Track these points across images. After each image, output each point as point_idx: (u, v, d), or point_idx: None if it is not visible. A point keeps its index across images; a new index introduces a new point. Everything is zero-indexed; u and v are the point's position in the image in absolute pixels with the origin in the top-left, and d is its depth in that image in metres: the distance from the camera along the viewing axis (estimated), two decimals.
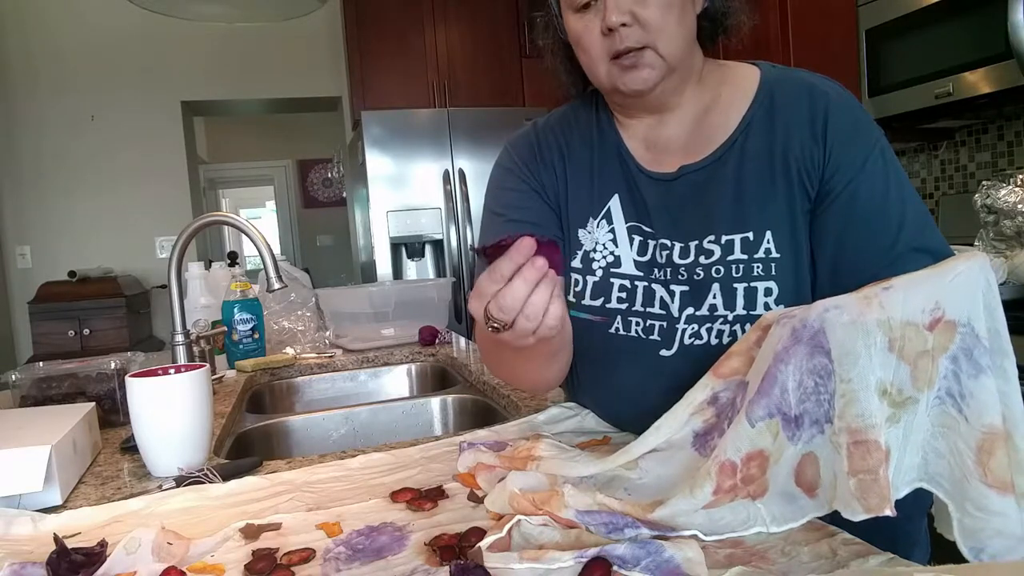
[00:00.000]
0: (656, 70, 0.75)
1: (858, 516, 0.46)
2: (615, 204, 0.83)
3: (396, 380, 1.63)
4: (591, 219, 0.84)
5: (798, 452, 0.50)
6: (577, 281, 0.84)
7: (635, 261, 0.81)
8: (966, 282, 0.49)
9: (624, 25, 0.72)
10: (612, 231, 0.83)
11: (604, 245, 0.83)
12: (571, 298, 0.85)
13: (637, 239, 0.81)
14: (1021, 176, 1.68)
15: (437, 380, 1.60)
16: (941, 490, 0.48)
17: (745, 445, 0.52)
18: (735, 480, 0.52)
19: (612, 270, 0.82)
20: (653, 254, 0.80)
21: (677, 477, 0.58)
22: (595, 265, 0.83)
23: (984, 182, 1.73)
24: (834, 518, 0.56)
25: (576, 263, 0.85)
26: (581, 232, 0.84)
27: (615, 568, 0.47)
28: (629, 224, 0.82)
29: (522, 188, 0.88)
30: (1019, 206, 1.63)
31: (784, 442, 0.51)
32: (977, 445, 0.46)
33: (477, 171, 3.30)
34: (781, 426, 0.51)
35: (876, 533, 0.53)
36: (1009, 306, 1.81)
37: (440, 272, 3.35)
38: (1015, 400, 0.45)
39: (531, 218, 0.86)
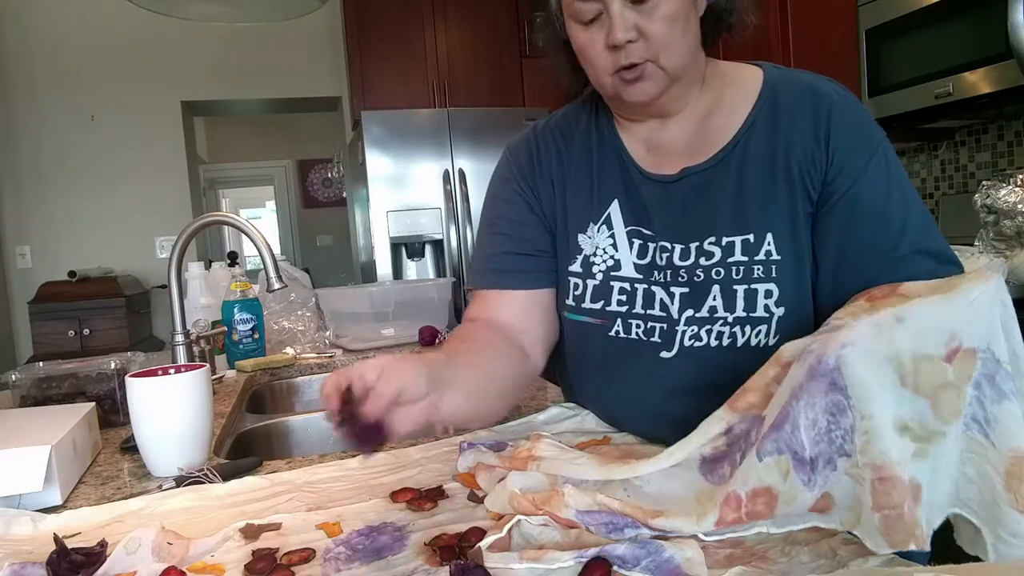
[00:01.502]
0: (659, 82, 0.75)
1: (883, 550, 0.46)
2: (615, 209, 0.83)
3: None
4: (591, 224, 0.84)
5: (814, 496, 0.49)
6: (577, 285, 0.85)
7: (635, 264, 0.81)
8: (983, 307, 0.48)
9: (630, 41, 0.72)
10: (612, 235, 0.83)
11: (604, 249, 0.83)
12: (571, 302, 0.85)
13: (637, 242, 0.82)
14: (1021, 176, 1.68)
15: None
16: (974, 515, 0.48)
17: (752, 480, 0.51)
18: (739, 514, 0.51)
19: (612, 273, 0.82)
20: (653, 256, 0.80)
21: (679, 496, 0.57)
22: (595, 269, 0.83)
23: (984, 182, 1.73)
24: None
25: (576, 267, 0.85)
26: (581, 237, 0.85)
27: (615, 568, 0.48)
28: (629, 228, 0.82)
29: (515, 200, 0.89)
30: (1019, 206, 1.63)
31: (798, 485, 0.50)
32: (1005, 470, 0.46)
33: (477, 171, 3.30)
34: (792, 466, 0.50)
35: None
36: None
37: (440, 272, 3.35)
38: None
39: (517, 232, 0.88)
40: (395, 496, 0.67)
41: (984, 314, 0.48)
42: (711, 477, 0.56)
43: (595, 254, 0.83)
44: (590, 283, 0.83)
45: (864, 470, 0.47)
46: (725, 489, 0.52)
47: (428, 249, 3.39)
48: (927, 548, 0.44)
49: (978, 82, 1.74)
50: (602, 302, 0.82)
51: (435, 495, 0.66)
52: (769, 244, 0.74)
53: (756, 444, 0.51)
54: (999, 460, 0.46)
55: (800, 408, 0.49)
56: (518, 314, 0.87)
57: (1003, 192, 1.66)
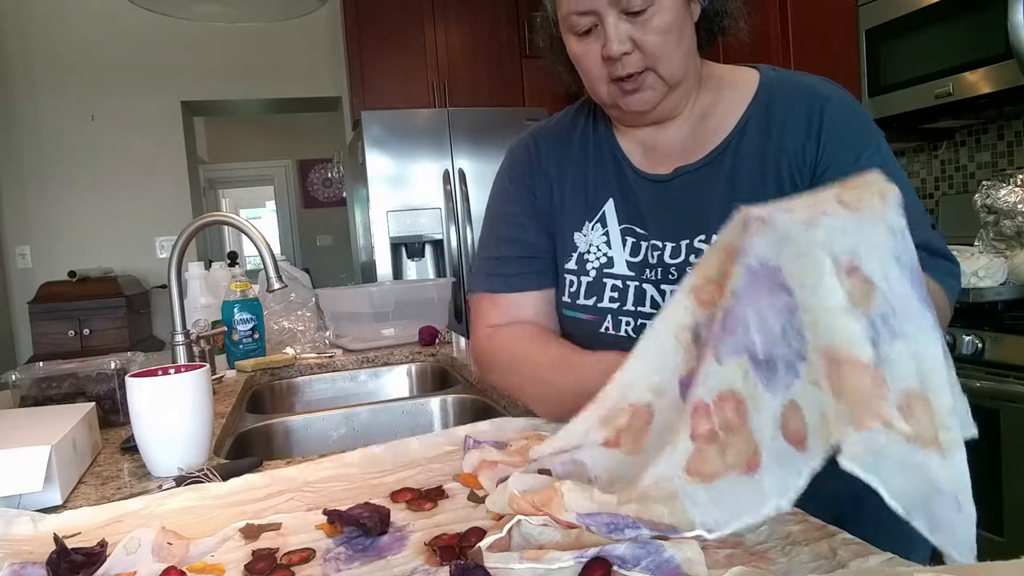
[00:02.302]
0: (657, 91, 0.76)
1: (850, 441, 0.43)
2: (609, 208, 0.85)
3: (396, 380, 1.63)
4: (586, 223, 0.86)
5: (779, 403, 0.47)
6: (572, 282, 0.86)
7: (627, 262, 0.83)
8: (871, 224, 0.44)
9: (626, 53, 0.73)
10: (606, 233, 0.84)
11: (598, 247, 0.84)
12: (567, 299, 0.87)
13: (630, 240, 0.83)
14: (1021, 176, 1.68)
15: (437, 380, 1.60)
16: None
17: (714, 384, 0.49)
18: (712, 425, 0.49)
19: (605, 271, 0.84)
20: (645, 255, 0.82)
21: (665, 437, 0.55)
22: (589, 266, 0.85)
23: (984, 182, 1.73)
24: (835, 518, 0.56)
25: (571, 264, 0.86)
26: (576, 235, 0.86)
27: (615, 568, 0.47)
28: (623, 226, 0.83)
29: (517, 203, 0.90)
30: (1019, 206, 1.63)
31: (758, 388, 0.48)
32: (898, 405, 0.45)
33: (477, 171, 3.30)
34: (750, 366, 0.48)
35: (876, 533, 0.53)
36: (1009, 306, 1.79)
37: (440, 272, 3.35)
38: (934, 365, 0.43)
39: (521, 235, 0.89)
40: (395, 496, 0.67)
41: (873, 234, 0.44)
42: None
43: (589, 251, 0.85)
44: (584, 280, 0.85)
45: (816, 368, 0.45)
46: (692, 400, 0.51)
47: (428, 249, 3.39)
48: (906, 429, 0.42)
49: (978, 82, 1.74)
50: (595, 298, 0.84)
51: (435, 495, 0.66)
52: None
53: (711, 348, 0.50)
54: (892, 394, 0.43)
55: (749, 312, 0.47)
56: (535, 314, 0.89)
57: (1003, 192, 1.66)
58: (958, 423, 0.43)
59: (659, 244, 0.80)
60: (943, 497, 0.43)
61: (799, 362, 0.46)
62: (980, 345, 1.51)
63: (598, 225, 0.85)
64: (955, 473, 0.42)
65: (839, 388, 0.44)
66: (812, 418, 0.46)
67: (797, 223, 0.46)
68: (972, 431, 0.43)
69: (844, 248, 0.44)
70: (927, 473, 0.43)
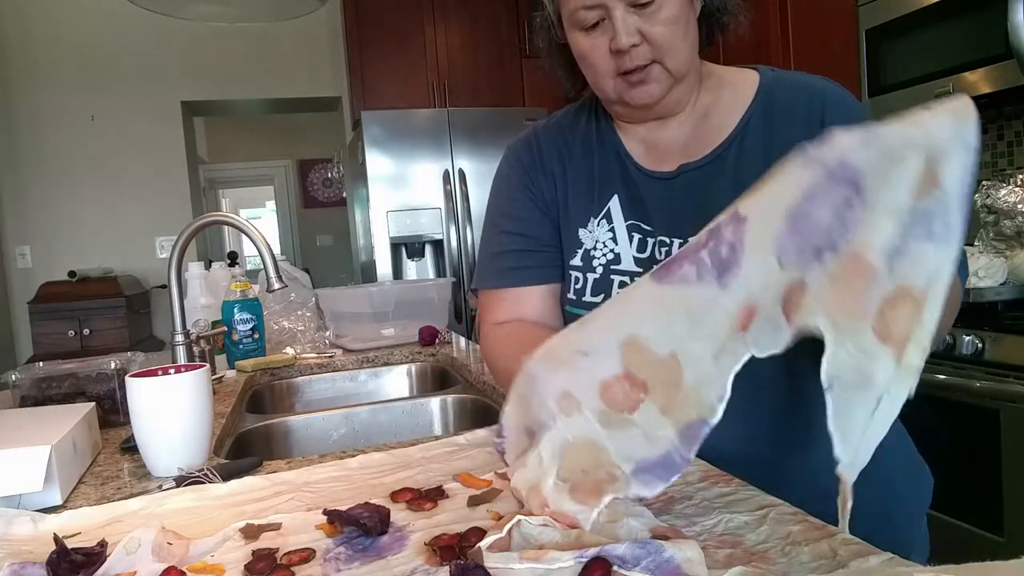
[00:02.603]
0: (663, 84, 0.77)
1: (823, 324, 0.45)
2: (615, 204, 0.85)
3: (396, 380, 1.63)
4: (592, 219, 0.86)
5: (789, 277, 0.48)
6: (578, 279, 0.86)
7: (635, 258, 0.83)
8: (956, 133, 0.44)
9: (634, 46, 0.73)
10: (612, 229, 0.84)
11: (604, 243, 0.84)
12: (572, 295, 0.87)
13: (636, 236, 0.83)
14: (1021, 176, 1.68)
15: (437, 380, 1.60)
16: (830, 322, 0.47)
17: (775, 285, 0.48)
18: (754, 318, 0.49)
19: (612, 267, 0.83)
20: (652, 251, 0.82)
21: (639, 316, 0.54)
22: (595, 263, 0.85)
23: (984, 182, 1.73)
24: (833, 518, 0.56)
25: (577, 261, 0.86)
26: (582, 231, 0.86)
27: (615, 568, 0.48)
28: (628, 223, 0.84)
29: (518, 197, 0.90)
30: (1019, 206, 1.63)
31: (776, 267, 0.48)
32: (885, 296, 0.46)
33: (477, 171, 3.30)
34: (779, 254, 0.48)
35: (876, 533, 0.53)
36: (1009, 306, 1.78)
37: (440, 272, 3.35)
38: (943, 276, 0.44)
39: (524, 230, 0.89)
40: (395, 496, 0.67)
41: (951, 143, 0.44)
42: (667, 278, 0.54)
43: (595, 248, 0.85)
44: (590, 277, 0.85)
45: (836, 262, 0.46)
46: (740, 299, 0.50)
47: (428, 249, 3.39)
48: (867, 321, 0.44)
49: (978, 82, 1.74)
50: (602, 295, 0.84)
51: (435, 495, 0.66)
52: None
53: (772, 247, 0.49)
54: (887, 284, 0.45)
55: (815, 206, 0.47)
56: (539, 309, 0.89)
57: (1003, 192, 1.67)
58: (927, 351, 0.44)
59: (666, 240, 0.81)
60: (866, 393, 0.45)
61: (828, 251, 0.47)
62: (980, 345, 1.51)
63: (604, 221, 0.85)
64: (895, 385, 0.44)
65: (837, 274, 0.46)
66: (814, 290, 0.47)
67: (893, 129, 0.46)
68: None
69: (931, 147, 0.45)
70: (872, 362, 0.44)
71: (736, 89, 0.81)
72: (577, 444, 0.57)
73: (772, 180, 0.50)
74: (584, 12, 0.74)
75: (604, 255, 0.84)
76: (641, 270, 0.82)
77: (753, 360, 0.49)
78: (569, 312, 0.88)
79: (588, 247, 0.85)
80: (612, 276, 0.83)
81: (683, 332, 0.52)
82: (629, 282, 0.82)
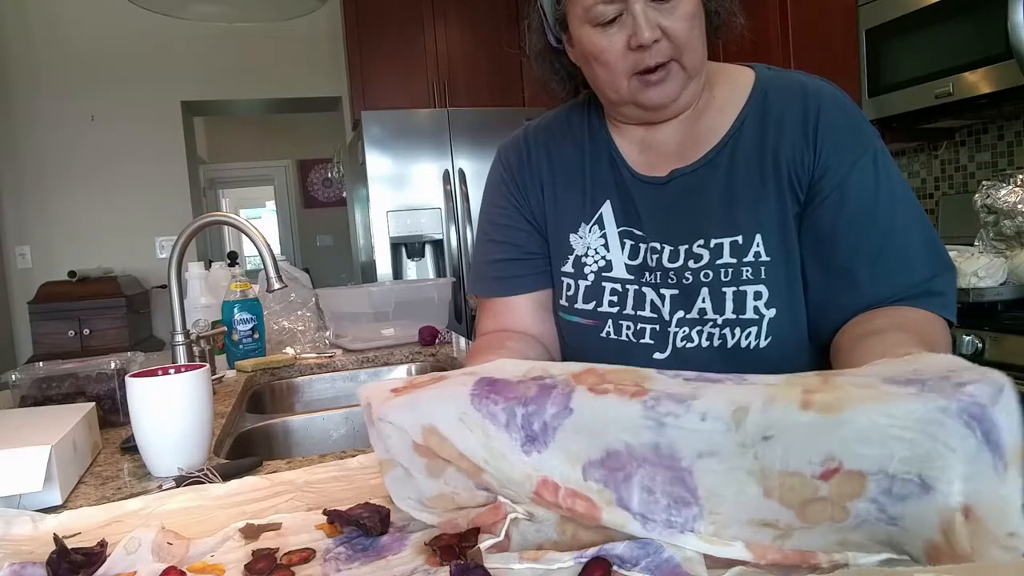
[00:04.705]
0: (680, 82, 0.75)
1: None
2: (607, 209, 0.83)
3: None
4: (583, 224, 0.84)
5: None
6: (570, 286, 0.85)
7: (626, 265, 0.81)
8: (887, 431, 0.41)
9: (655, 41, 0.71)
10: (604, 236, 0.83)
11: (596, 250, 0.83)
12: (564, 302, 0.86)
13: (628, 243, 0.82)
14: (1021, 176, 1.68)
15: None
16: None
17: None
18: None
19: (604, 274, 0.82)
20: (644, 258, 0.81)
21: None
22: (587, 269, 0.83)
23: (984, 182, 1.73)
24: None
25: (568, 267, 0.85)
26: (573, 237, 0.85)
27: (615, 568, 0.48)
28: (620, 229, 0.82)
29: (505, 205, 0.90)
30: (1019, 206, 1.63)
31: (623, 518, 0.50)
32: (941, 525, 0.42)
33: (477, 171, 3.30)
34: (620, 509, 0.50)
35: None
36: (1009, 306, 1.78)
37: (440, 272, 3.35)
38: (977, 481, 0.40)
39: (510, 238, 0.89)
40: None
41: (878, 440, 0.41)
42: (485, 404, 0.53)
43: (587, 254, 0.84)
44: (582, 284, 0.84)
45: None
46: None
47: (428, 249, 3.39)
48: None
49: (978, 82, 1.74)
50: (594, 303, 0.83)
51: None
52: (758, 246, 0.74)
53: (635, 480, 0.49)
54: (935, 518, 0.42)
55: (635, 479, 0.49)
56: (527, 319, 0.88)
57: (1003, 192, 1.66)
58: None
59: (657, 247, 0.79)
60: None
61: (683, 533, 0.48)
62: (980, 345, 1.51)
63: (595, 227, 0.83)
64: None
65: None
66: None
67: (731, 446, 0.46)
68: None
69: (803, 458, 0.44)
70: None
71: (731, 87, 0.80)
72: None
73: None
74: (603, 7, 0.71)
75: (596, 262, 0.83)
76: (632, 277, 0.81)
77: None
78: (563, 319, 0.86)
79: (579, 253, 0.84)
80: (604, 283, 0.82)
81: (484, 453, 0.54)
82: (620, 289, 0.81)
